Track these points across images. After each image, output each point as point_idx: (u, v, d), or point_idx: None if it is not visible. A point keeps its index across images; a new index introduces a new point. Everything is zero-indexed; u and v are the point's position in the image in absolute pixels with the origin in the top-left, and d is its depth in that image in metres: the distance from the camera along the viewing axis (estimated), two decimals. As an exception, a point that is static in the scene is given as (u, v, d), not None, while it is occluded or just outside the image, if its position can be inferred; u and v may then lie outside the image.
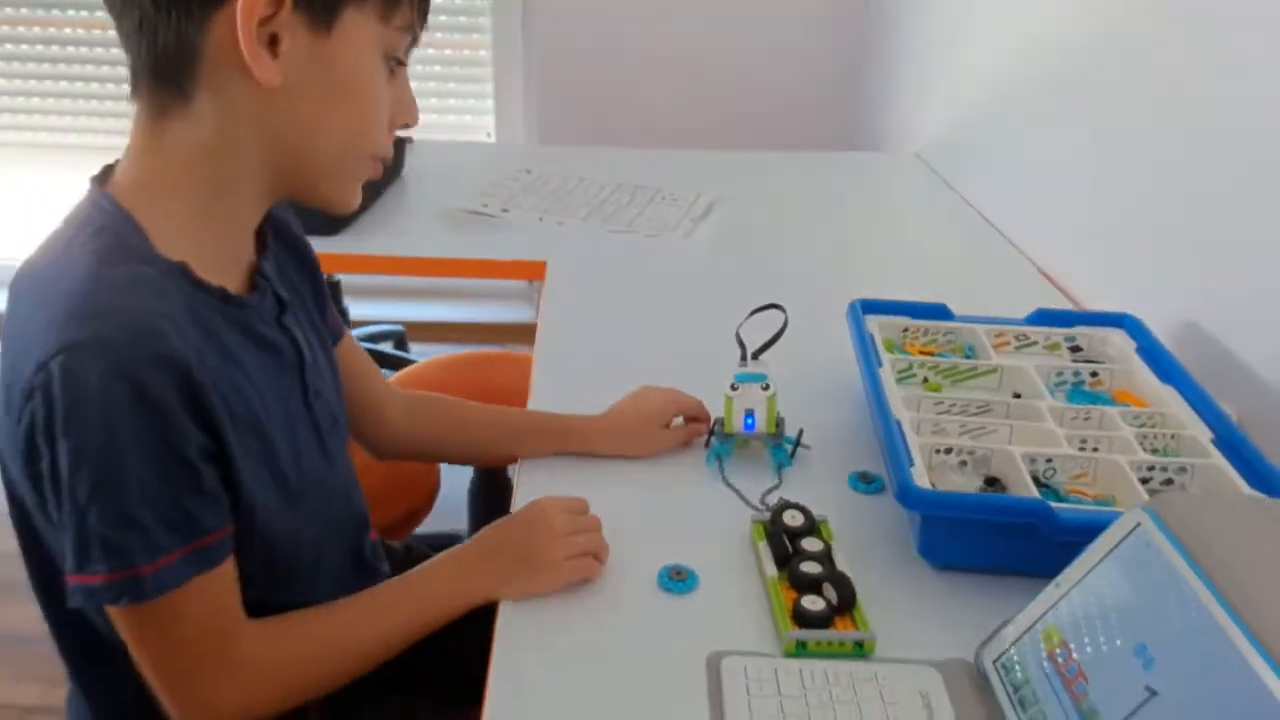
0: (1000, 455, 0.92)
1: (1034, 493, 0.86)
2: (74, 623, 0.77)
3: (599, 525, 0.87)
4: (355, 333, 2.61)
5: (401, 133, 0.83)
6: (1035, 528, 0.80)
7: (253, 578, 0.76)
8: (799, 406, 1.03)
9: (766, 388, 0.99)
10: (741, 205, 1.76)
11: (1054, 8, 1.56)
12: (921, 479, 0.85)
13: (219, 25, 0.69)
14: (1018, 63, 1.67)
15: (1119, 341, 1.10)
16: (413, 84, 0.82)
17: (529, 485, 0.97)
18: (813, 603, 0.78)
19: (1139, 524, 0.67)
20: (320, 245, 1.53)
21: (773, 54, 2.50)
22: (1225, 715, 0.56)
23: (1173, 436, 0.94)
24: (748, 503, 0.95)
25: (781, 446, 1.00)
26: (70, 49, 2.72)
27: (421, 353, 2.56)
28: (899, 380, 1.04)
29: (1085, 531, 0.70)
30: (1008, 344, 1.12)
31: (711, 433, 1.01)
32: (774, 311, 1.02)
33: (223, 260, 0.77)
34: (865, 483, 0.98)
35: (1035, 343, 1.12)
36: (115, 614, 0.71)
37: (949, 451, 0.93)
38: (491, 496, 1.46)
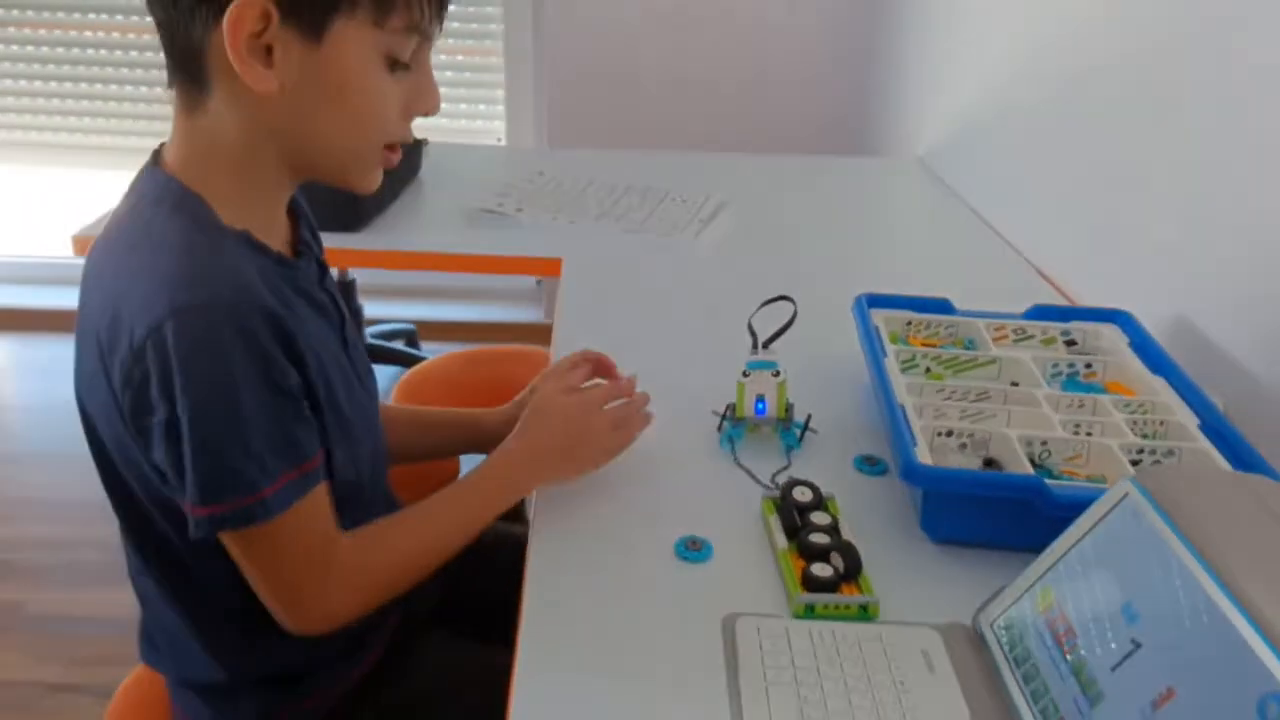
0: (998, 438, 0.98)
1: (1030, 472, 0.91)
2: (157, 546, 0.85)
3: (643, 407, 1.00)
4: (369, 330, 2.67)
5: (418, 133, 0.88)
6: (1031, 503, 0.85)
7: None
8: (807, 395, 1.08)
9: (777, 374, 1.05)
10: (749, 207, 1.82)
11: (1052, 20, 1.62)
12: (924, 458, 0.90)
13: (220, 34, 0.74)
14: (1016, 72, 1.73)
15: (1112, 336, 1.16)
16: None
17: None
18: (821, 569, 0.83)
19: (1126, 494, 0.72)
20: (343, 241, 1.61)
21: (779, 61, 2.56)
22: (1204, 663, 0.61)
23: (1161, 422, 0.99)
24: (758, 481, 1.00)
25: (790, 430, 1.05)
26: (60, 50, 2.78)
27: (432, 350, 2.62)
28: (903, 370, 1.09)
29: (1078, 507, 0.75)
30: (1006, 337, 1.17)
31: (724, 417, 1.07)
32: (784, 304, 1.08)
33: (268, 230, 0.84)
34: (870, 465, 1.03)
35: (1032, 336, 1.17)
36: (231, 539, 0.79)
37: (950, 434, 0.98)
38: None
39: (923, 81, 2.22)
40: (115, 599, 1.82)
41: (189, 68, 0.77)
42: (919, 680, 0.74)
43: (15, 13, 2.73)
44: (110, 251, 0.80)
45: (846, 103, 2.57)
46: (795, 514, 0.90)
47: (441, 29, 0.83)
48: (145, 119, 2.83)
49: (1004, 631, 0.76)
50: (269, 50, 0.75)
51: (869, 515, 0.95)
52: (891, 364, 1.07)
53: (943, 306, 1.20)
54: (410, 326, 2.79)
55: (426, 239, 1.67)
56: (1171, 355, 1.09)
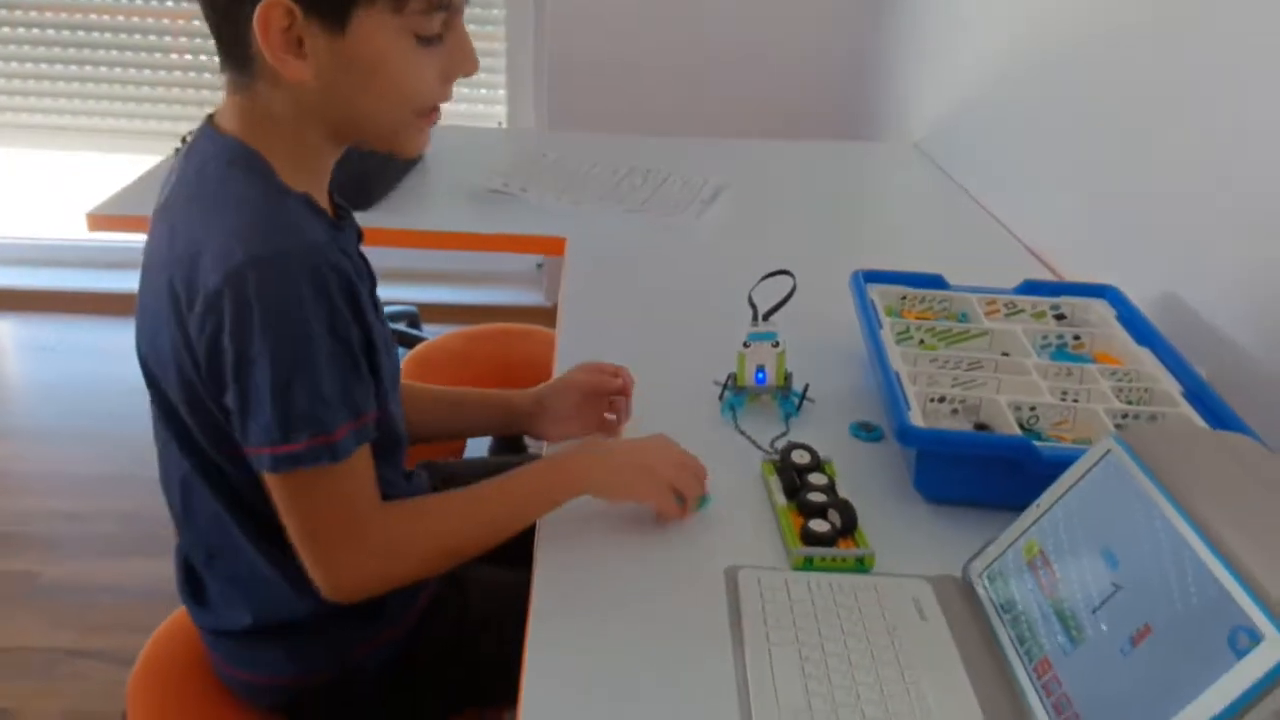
0: (989, 404, 1.02)
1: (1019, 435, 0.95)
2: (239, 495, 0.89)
3: (705, 476, 0.94)
4: (372, 312, 2.70)
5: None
6: (1019, 463, 0.89)
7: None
8: (805, 366, 1.12)
9: (776, 345, 1.08)
10: (748, 190, 1.85)
11: (1039, 9, 1.65)
12: (917, 421, 0.94)
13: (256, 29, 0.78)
14: (1009, 59, 1.77)
15: (1101, 310, 1.19)
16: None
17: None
18: (819, 525, 0.87)
19: (1109, 450, 0.76)
20: (351, 219, 1.63)
21: (777, 47, 2.59)
22: (1180, 600, 0.65)
23: (1146, 390, 1.03)
24: (759, 447, 1.04)
25: (789, 399, 1.09)
26: (66, 33, 2.80)
27: (433, 332, 2.65)
28: (898, 341, 1.13)
29: (1064, 466, 0.79)
30: (998, 311, 1.21)
31: (726, 386, 1.10)
32: (784, 278, 1.11)
33: (320, 195, 0.88)
34: (865, 431, 1.07)
35: (1023, 310, 1.21)
36: (278, 484, 0.82)
37: (942, 400, 1.02)
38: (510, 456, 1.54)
39: (919, 70, 2.25)
40: (128, 569, 1.87)
41: (235, 55, 0.81)
42: (911, 627, 0.79)
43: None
44: (185, 206, 0.83)
45: (844, 90, 2.61)
46: (794, 475, 0.94)
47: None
48: (150, 101, 2.85)
49: (991, 581, 0.80)
50: (300, 42, 0.78)
51: (864, 478, 0.99)
52: (887, 334, 1.11)
53: (937, 282, 1.23)
54: (412, 309, 2.82)
55: (433, 218, 1.70)
56: (1159, 328, 1.13)
